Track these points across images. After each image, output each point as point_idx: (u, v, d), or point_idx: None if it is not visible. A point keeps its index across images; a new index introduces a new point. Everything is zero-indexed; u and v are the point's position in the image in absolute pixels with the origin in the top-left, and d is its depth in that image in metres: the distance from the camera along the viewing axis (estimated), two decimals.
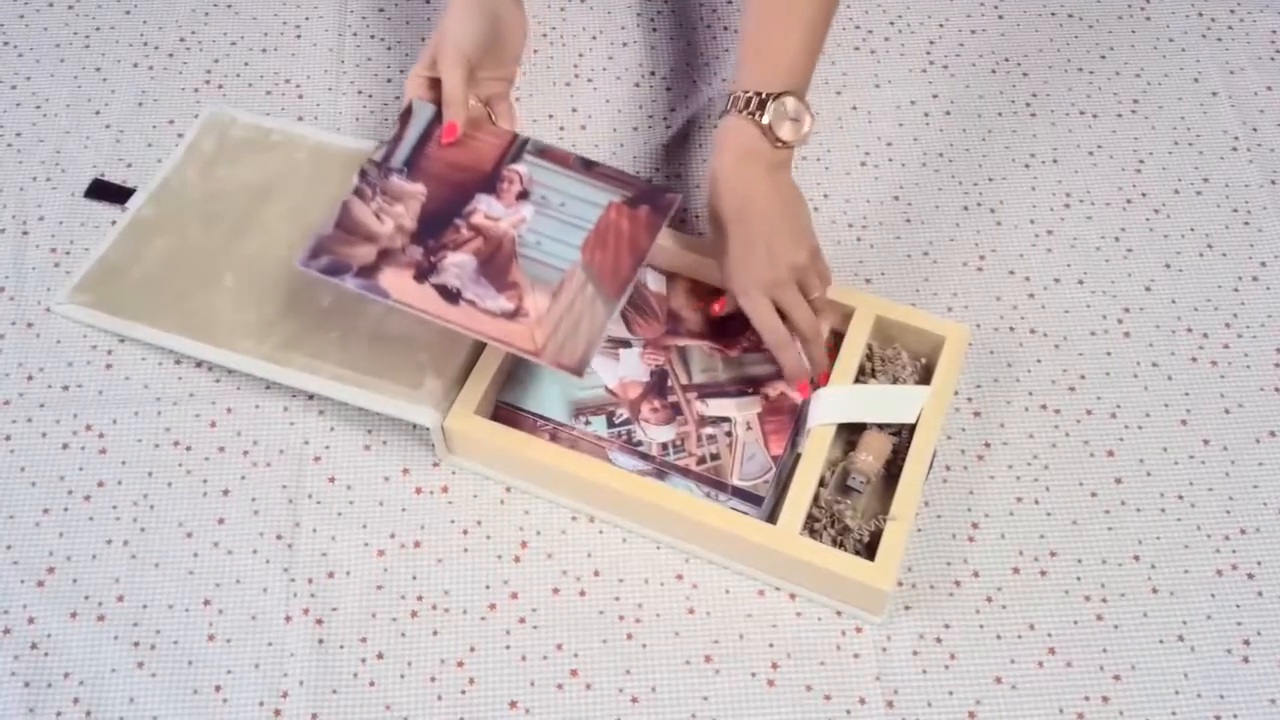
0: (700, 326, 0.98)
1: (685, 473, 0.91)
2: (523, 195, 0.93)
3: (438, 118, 0.95)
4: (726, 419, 0.93)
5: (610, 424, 0.93)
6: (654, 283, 1.00)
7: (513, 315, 0.88)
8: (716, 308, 0.96)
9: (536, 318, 0.88)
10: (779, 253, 0.88)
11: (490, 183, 0.94)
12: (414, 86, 0.96)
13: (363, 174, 0.93)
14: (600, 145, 1.13)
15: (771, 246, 0.88)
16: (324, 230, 0.91)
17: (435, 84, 0.95)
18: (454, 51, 0.93)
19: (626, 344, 0.97)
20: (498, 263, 0.90)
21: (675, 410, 0.94)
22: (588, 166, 0.95)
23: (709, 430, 0.93)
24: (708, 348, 0.97)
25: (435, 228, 0.91)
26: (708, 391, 0.95)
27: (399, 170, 0.94)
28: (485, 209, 0.92)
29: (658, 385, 0.95)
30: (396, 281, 0.89)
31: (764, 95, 0.88)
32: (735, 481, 0.90)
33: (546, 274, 0.90)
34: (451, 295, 0.89)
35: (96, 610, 0.89)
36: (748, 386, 0.95)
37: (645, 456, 0.91)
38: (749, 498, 0.90)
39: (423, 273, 0.90)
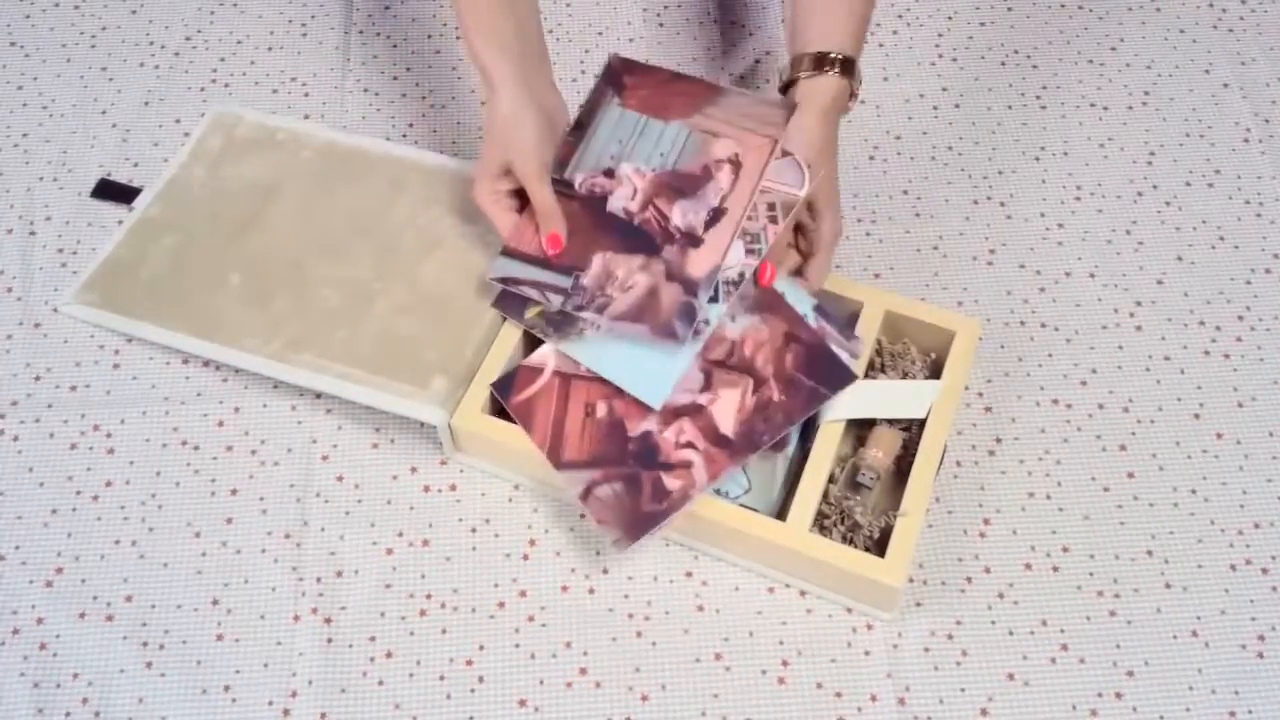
0: None
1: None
2: (608, 173, 0.95)
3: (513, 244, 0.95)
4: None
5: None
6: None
7: (731, 163, 0.93)
8: (766, 277, 0.95)
9: (737, 135, 0.94)
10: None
11: (592, 204, 0.95)
12: (492, 203, 0.95)
13: (575, 312, 0.93)
14: None
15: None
16: (640, 332, 0.91)
17: (513, 194, 0.95)
18: (538, 167, 0.92)
19: None
20: (679, 182, 0.94)
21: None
22: (576, 126, 0.97)
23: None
24: None
25: (645, 243, 0.93)
26: None
27: (574, 280, 0.93)
28: (622, 200, 0.94)
29: None
30: (702, 261, 0.92)
31: (846, 58, 0.94)
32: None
33: (692, 146, 0.95)
34: (716, 214, 0.92)
35: (105, 610, 0.89)
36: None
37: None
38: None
39: (691, 241, 0.92)
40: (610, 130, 0.96)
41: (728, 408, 0.89)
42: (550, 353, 0.93)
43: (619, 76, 0.98)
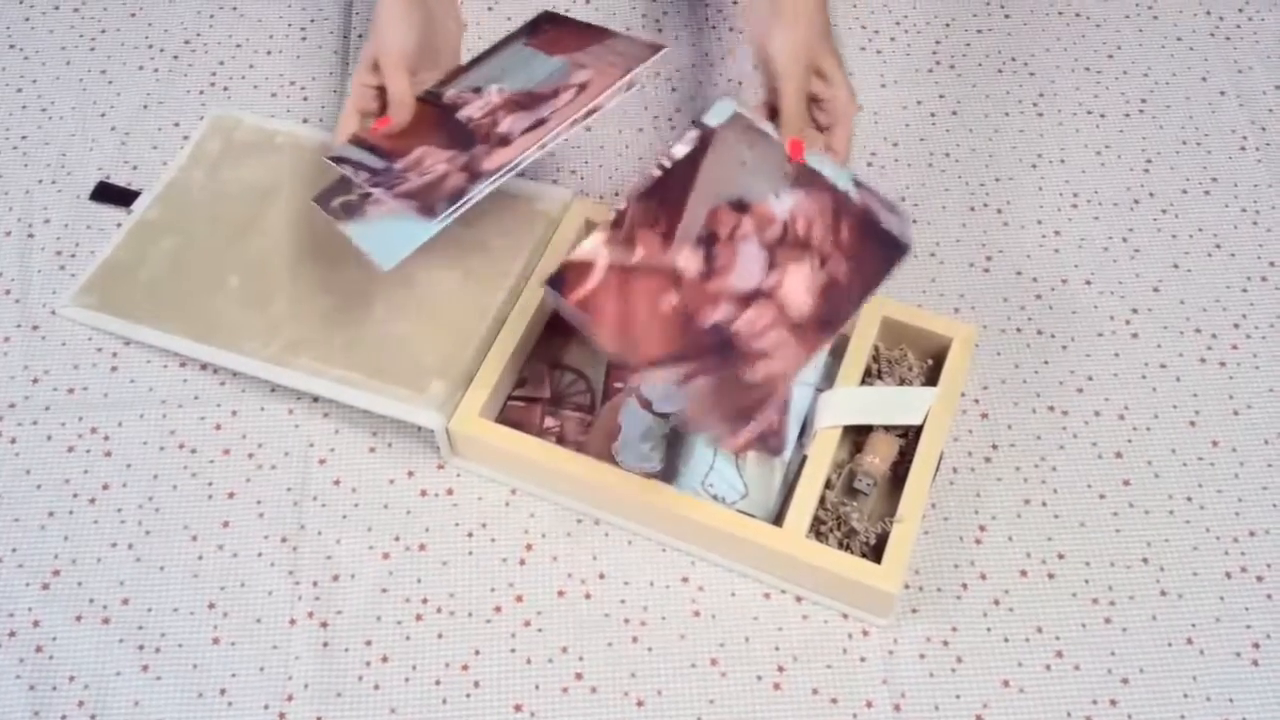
0: None
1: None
2: (476, 90, 0.97)
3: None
4: None
5: None
6: None
7: (581, 89, 0.93)
8: (797, 156, 0.92)
9: (597, 71, 0.94)
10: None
11: (450, 113, 0.96)
12: (361, 97, 0.96)
13: (379, 186, 0.92)
14: (605, 146, 1.13)
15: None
16: (410, 206, 0.90)
17: (381, 93, 0.96)
18: (397, 57, 0.94)
19: None
20: (526, 99, 0.94)
21: None
22: (480, 56, 1.01)
23: None
24: None
25: (467, 141, 0.93)
26: None
27: (389, 165, 0.93)
28: (473, 111, 0.95)
29: None
30: (498, 156, 0.91)
31: None
32: None
33: (559, 77, 0.95)
34: (536, 124, 0.92)
35: (101, 613, 0.89)
36: None
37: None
38: None
39: (503, 142, 0.92)
40: (501, 61, 0.99)
41: (797, 286, 0.85)
42: (599, 244, 0.85)
43: (540, 25, 1.02)
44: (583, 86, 0.94)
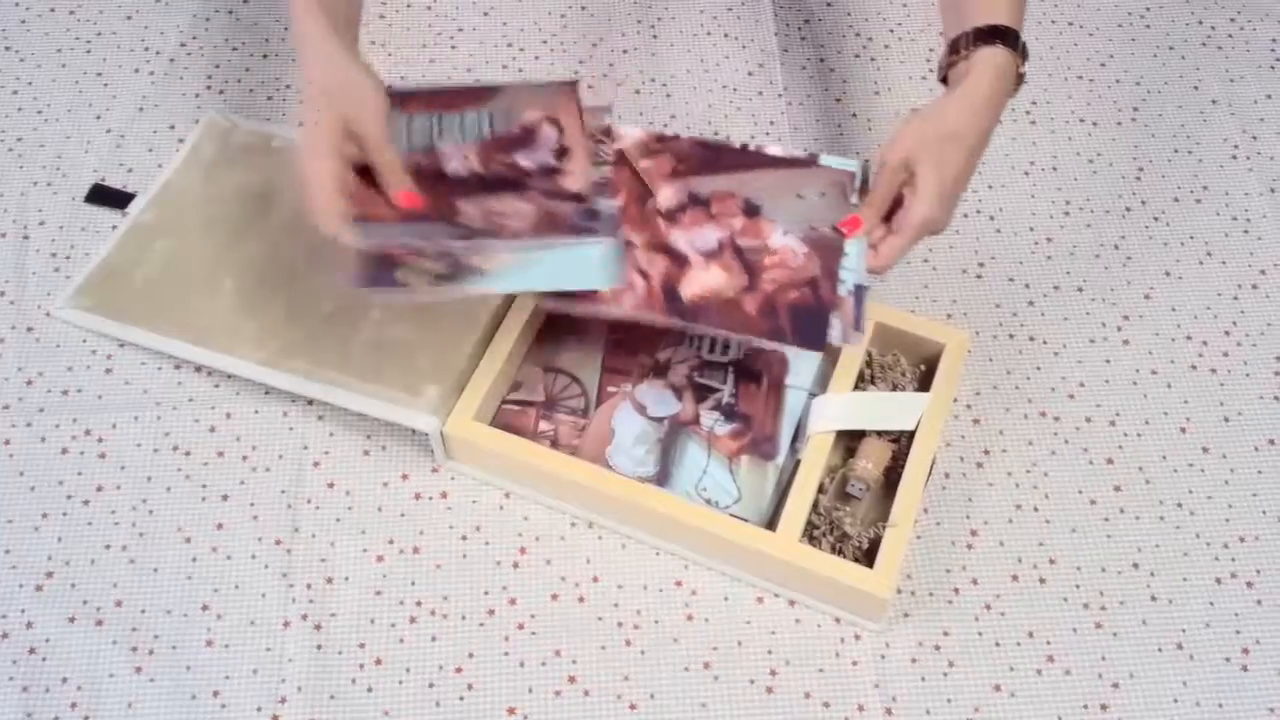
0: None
1: None
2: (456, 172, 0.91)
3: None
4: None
5: None
6: None
7: (559, 158, 0.90)
8: (848, 230, 0.90)
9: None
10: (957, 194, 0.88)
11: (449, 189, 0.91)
12: (340, 179, 0.84)
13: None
14: None
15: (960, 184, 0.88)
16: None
17: (350, 166, 0.86)
18: (382, 125, 0.85)
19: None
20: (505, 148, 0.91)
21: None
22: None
23: None
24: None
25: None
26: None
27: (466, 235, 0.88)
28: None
29: None
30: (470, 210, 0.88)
31: (1015, 32, 0.86)
32: None
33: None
34: (517, 178, 0.90)
35: (95, 615, 0.89)
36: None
37: None
38: None
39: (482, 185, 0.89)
40: (405, 131, 0.90)
41: (710, 279, 0.87)
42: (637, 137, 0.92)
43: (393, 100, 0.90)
44: (552, 119, 0.91)
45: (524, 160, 0.90)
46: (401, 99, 0.91)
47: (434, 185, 0.89)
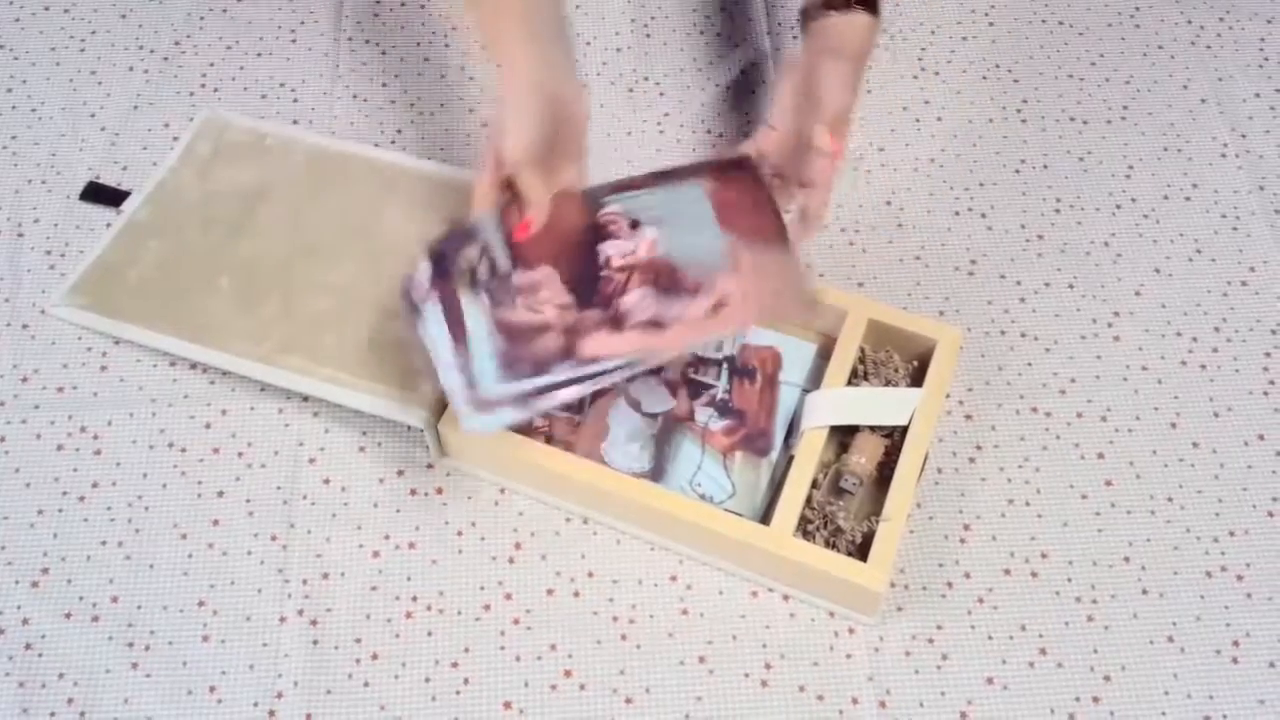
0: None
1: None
2: (634, 225, 0.93)
3: (501, 217, 0.90)
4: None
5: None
6: None
7: (718, 309, 0.89)
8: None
9: (738, 296, 0.89)
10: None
11: (597, 232, 0.92)
12: (486, 199, 0.88)
13: (486, 289, 0.90)
14: (594, 150, 1.13)
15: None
16: (499, 347, 0.88)
17: (506, 186, 0.89)
18: (524, 154, 0.86)
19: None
20: (668, 279, 0.90)
21: None
22: (661, 175, 0.95)
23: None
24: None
25: (588, 289, 0.90)
26: None
27: (512, 271, 0.90)
28: (616, 251, 0.92)
29: None
30: (599, 345, 0.88)
31: None
32: None
33: (713, 263, 0.90)
34: (656, 324, 0.89)
35: (91, 611, 0.90)
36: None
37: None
38: None
39: (615, 324, 0.89)
40: (674, 198, 0.93)
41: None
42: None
43: (729, 169, 0.94)
44: (717, 306, 0.89)
45: (632, 299, 0.90)
46: (726, 168, 0.94)
47: (574, 238, 0.92)
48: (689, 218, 0.92)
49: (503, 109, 0.86)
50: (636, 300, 0.89)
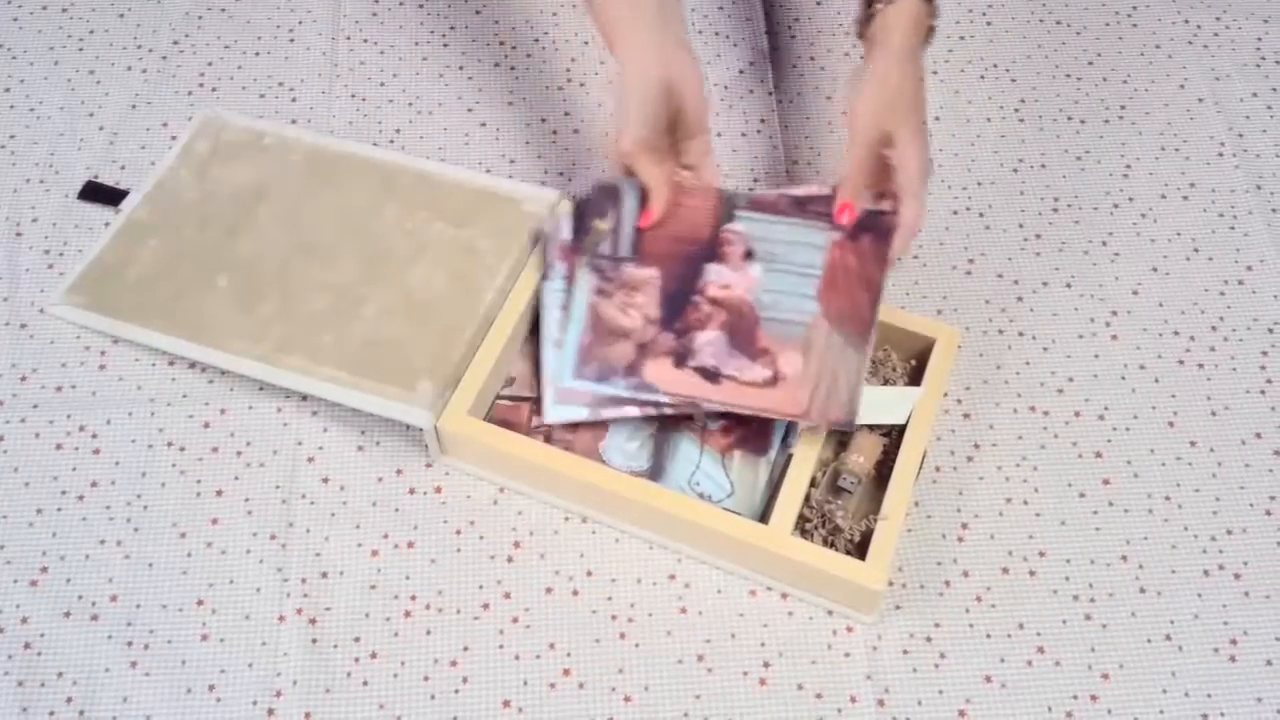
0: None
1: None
2: (748, 255, 0.94)
3: (643, 194, 0.96)
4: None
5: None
6: None
7: (772, 382, 0.90)
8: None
9: (795, 378, 0.90)
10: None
11: (712, 249, 0.95)
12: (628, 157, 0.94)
13: (599, 269, 0.94)
14: (594, 149, 1.14)
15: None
16: (583, 341, 0.93)
17: (629, 174, 0.96)
18: (645, 146, 0.92)
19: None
20: (744, 331, 0.92)
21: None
22: (800, 205, 0.96)
23: None
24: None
25: (677, 309, 0.93)
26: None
27: (630, 258, 0.94)
28: (716, 279, 0.94)
29: None
30: (658, 373, 0.91)
31: None
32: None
33: (791, 331, 0.92)
34: (712, 375, 0.90)
35: (90, 610, 0.90)
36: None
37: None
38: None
39: (680, 358, 0.91)
40: (795, 236, 0.95)
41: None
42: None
43: (866, 222, 0.95)
44: (773, 380, 0.90)
45: (703, 338, 0.92)
46: (863, 232, 0.95)
47: (689, 248, 0.95)
48: (799, 268, 0.94)
49: (618, 101, 0.92)
50: (707, 341, 0.92)
